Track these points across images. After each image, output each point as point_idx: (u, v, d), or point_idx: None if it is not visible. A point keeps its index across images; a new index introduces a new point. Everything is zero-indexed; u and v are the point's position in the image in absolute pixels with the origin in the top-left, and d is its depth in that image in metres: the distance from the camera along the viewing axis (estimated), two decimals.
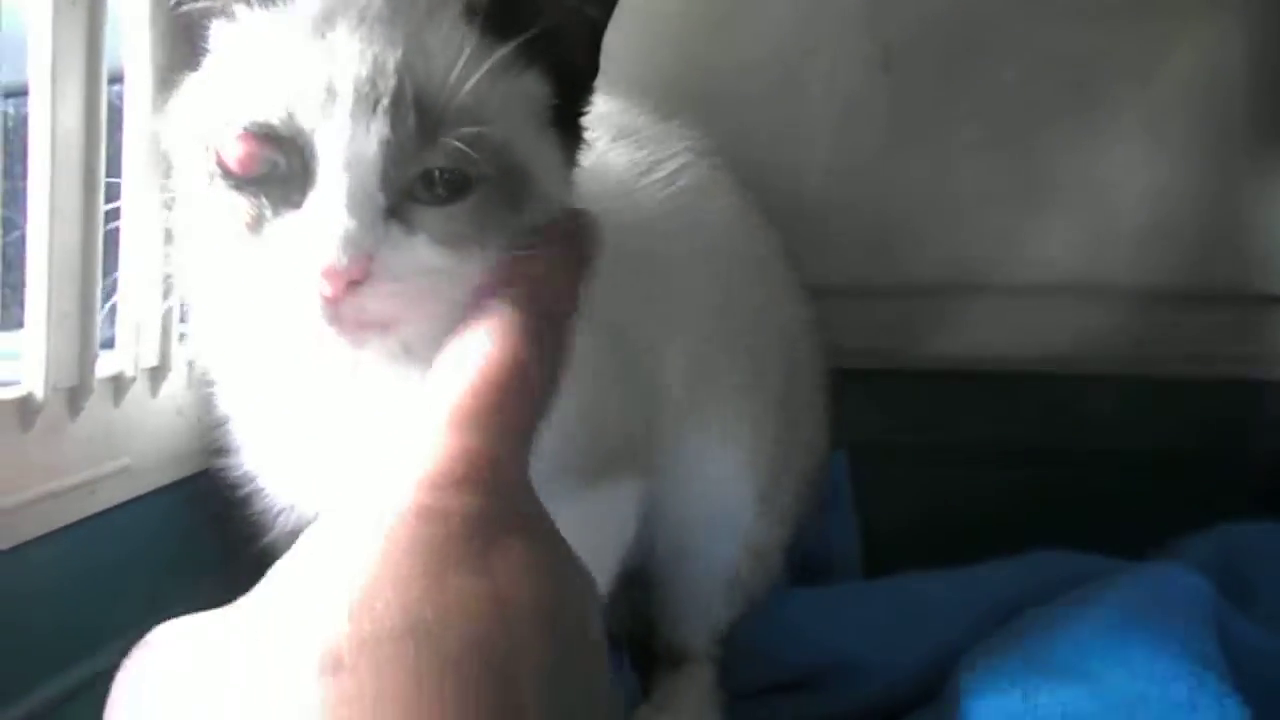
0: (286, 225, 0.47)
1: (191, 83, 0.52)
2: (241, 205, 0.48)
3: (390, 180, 0.47)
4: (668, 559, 0.78)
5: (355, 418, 0.55)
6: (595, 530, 0.65)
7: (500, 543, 0.35)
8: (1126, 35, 0.99)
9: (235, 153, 0.47)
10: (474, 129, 0.47)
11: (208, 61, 0.52)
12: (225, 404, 0.62)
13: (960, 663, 0.71)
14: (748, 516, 0.79)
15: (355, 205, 0.46)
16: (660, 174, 0.73)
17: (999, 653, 0.69)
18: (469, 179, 0.48)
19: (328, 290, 0.46)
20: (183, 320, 0.67)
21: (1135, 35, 0.99)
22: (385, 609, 0.32)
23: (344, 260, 0.45)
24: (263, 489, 0.62)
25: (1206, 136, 1.00)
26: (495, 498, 0.36)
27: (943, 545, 0.82)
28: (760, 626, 0.80)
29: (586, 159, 0.63)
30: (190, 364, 0.68)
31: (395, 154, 0.47)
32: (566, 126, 0.55)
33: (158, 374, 0.65)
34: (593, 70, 0.55)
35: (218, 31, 0.51)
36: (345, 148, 0.46)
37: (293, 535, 0.60)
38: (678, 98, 0.80)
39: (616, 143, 0.72)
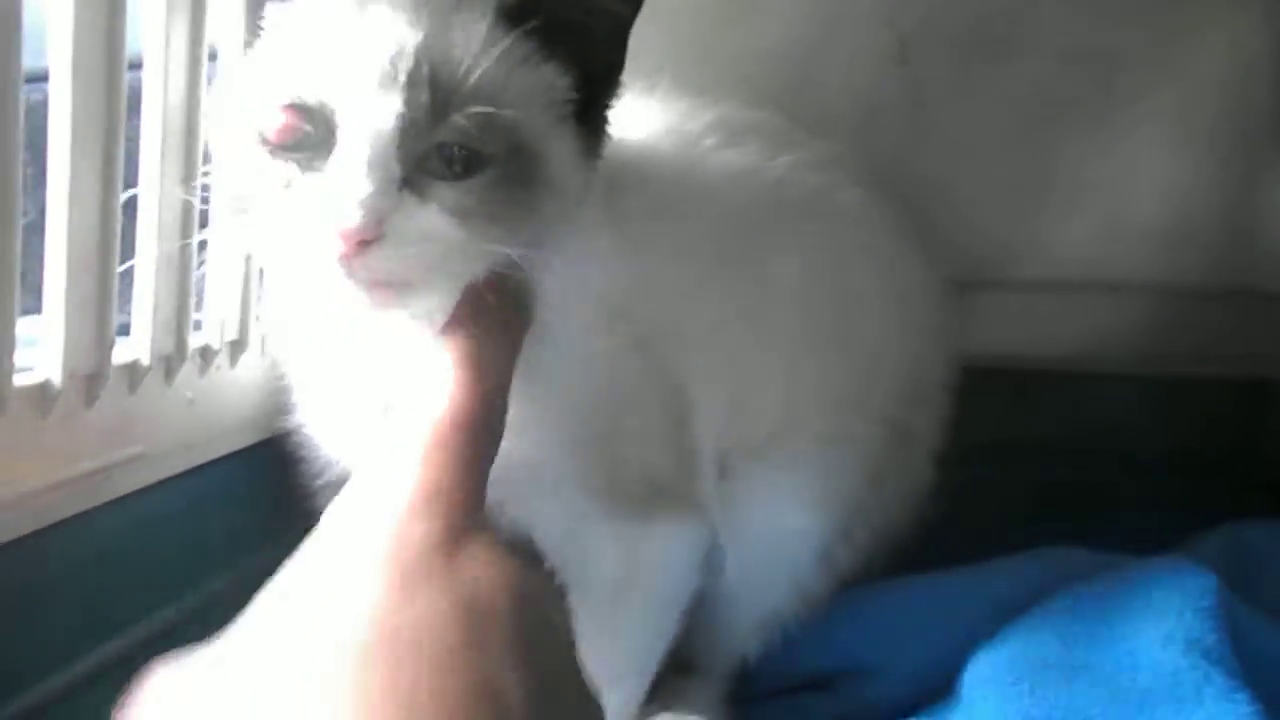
0: (310, 188, 0.51)
1: (244, 61, 0.57)
2: (275, 170, 0.52)
3: (406, 152, 0.51)
4: (704, 585, 0.74)
5: (381, 378, 0.59)
6: (645, 577, 0.67)
7: (464, 555, 0.38)
8: (1148, 31, 0.98)
9: (273, 123, 0.52)
10: (484, 109, 0.51)
11: (259, 41, 0.56)
12: (284, 360, 0.68)
13: (968, 660, 0.71)
14: (804, 570, 0.77)
15: (370, 172, 0.50)
16: (757, 180, 0.74)
17: (1007, 649, 0.69)
18: (481, 157, 0.52)
19: (341, 247, 0.49)
20: (198, 309, 0.67)
21: (1157, 31, 0.98)
22: (364, 627, 0.35)
23: (357, 220, 0.49)
24: (314, 442, 0.67)
25: (1228, 134, 0.99)
26: (457, 518, 0.40)
27: (953, 542, 0.82)
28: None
29: (690, 158, 0.71)
30: (203, 352, 0.68)
31: (410, 128, 0.50)
32: (590, 118, 0.57)
33: (172, 362, 0.65)
34: (618, 65, 0.57)
35: (270, 13, 0.56)
36: (364, 120, 0.50)
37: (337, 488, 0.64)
38: (693, 90, 0.80)
39: (725, 148, 0.74)
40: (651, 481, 0.66)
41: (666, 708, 0.76)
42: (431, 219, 0.51)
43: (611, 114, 0.59)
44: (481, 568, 0.38)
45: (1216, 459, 0.96)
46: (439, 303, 0.54)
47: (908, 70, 1.00)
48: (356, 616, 0.35)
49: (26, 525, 0.54)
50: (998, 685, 0.66)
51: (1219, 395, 0.98)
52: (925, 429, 0.83)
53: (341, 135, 0.51)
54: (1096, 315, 1.01)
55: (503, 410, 0.48)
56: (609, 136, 0.59)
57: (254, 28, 0.57)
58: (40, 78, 0.54)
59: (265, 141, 0.52)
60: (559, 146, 0.55)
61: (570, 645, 0.40)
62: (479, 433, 0.45)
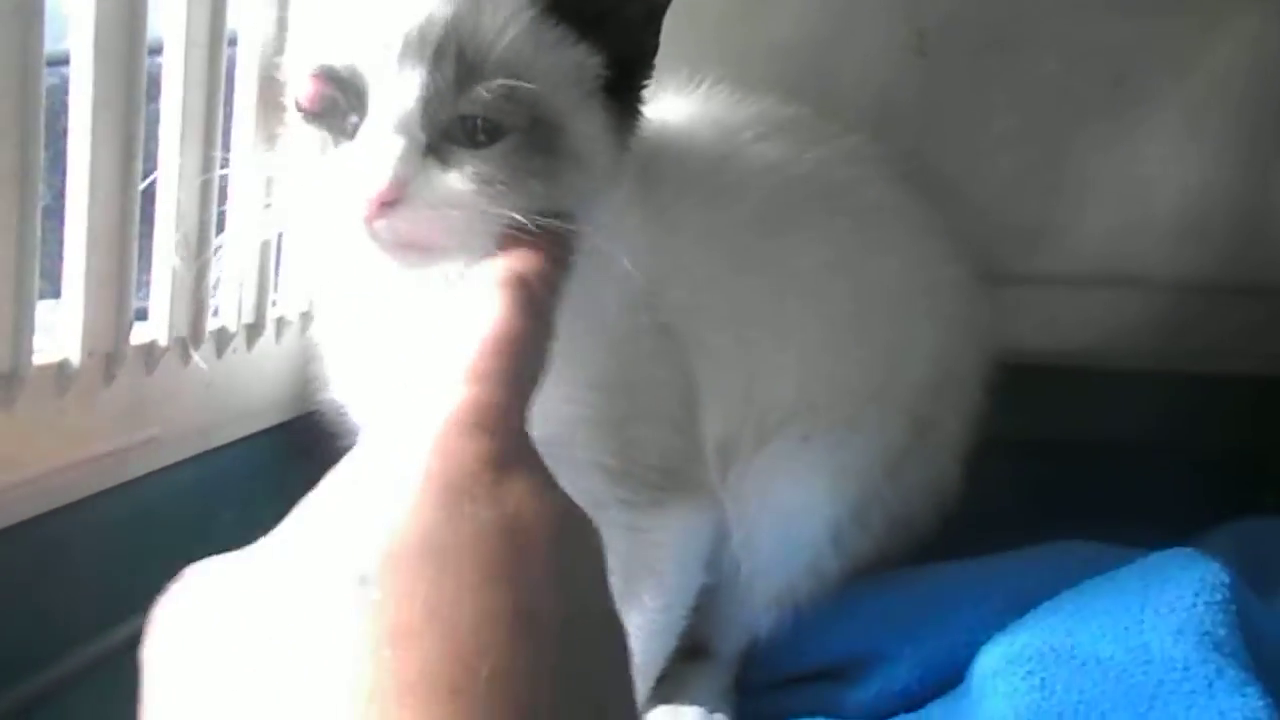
0: (341, 153, 0.55)
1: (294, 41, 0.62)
2: (311, 136, 0.56)
3: (431, 121, 0.53)
4: (712, 577, 0.75)
5: (411, 345, 0.61)
6: (654, 569, 0.68)
7: (508, 479, 0.37)
8: (1164, 28, 0.98)
9: (305, 90, 0.56)
10: (506, 82, 0.53)
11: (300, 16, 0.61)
12: (317, 330, 0.71)
13: (978, 652, 0.70)
14: (817, 550, 0.77)
15: (396, 138, 0.53)
16: (788, 173, 0.76)
17: (1016, 642, 0.68)
18: (502, 127, 0.54)
19: (364, 208, 0.52)
20: (214, 292, 0.67)
21: (1173, 28, 0.98)
22: (407, 536, 0.34)
23: (381, 183, 0.52)
24: (343, 412, 0.68)
25: (1243, 130, 0.99)
26: (503, 441, 0.39)
27: (965, 537, 0.82)
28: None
29: (728, 149, 0.73)
30: (220, 334, 0.68)
31: (434, 97, 0.53)
32: (623, 98, 0.60)
33: (188, 344, 0.65)
34: (652, 49, 0.60)
35: None
36: (392, 88, 0.53)
37: None
38: (709, 80, 0.80)
39: (762, 141, 0.76)
40: (665, 467, 0.67)
41: (667, 699, 0.76)
42: (452, 184, 0.53)
43: (646, 94, 0.62)
44: (526, 494, 0.37)
45: (1230, 454, 0.96)
46: (463, 269, 0.56)
47: (924, 64, 1.00)
48: (401, 529, 0.35)
49: (42, 504, 0.55)
50: (1008, 677, 0.66)
51: (1233, 391, 0.98)
52: (952, 423, 0.84)
53: (371, 103, 0.54)
54: (1111, 310, 1.01)
55: (548, 336, 0.47)
56: (643, 116, 0.62)
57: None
58: (61, 61, 0.55)
59: (300, 109, 0.56)
60: (583, 122, 0.57)
61: (603, 581, 0.40)
62: (526, 354, 0.44)
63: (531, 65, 0.55)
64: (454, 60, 0.53)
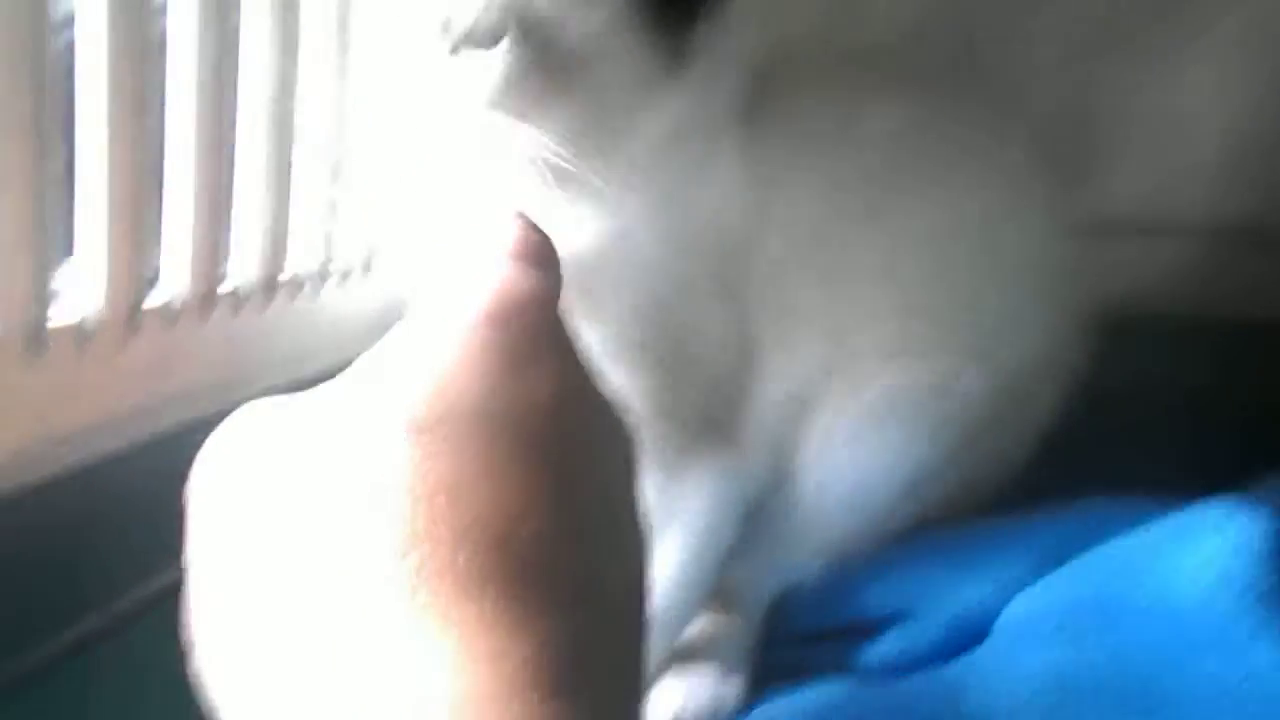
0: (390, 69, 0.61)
1: None
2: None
3: (448, 29, 0.57)
4: (755, 509, 0.74)
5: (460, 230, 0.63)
6: (681, 519, 0.68)
7: (556, 359, 0.38)
8: None
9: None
10: None
11: None
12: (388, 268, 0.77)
13: (1008, 609, 0.70)
14: (890, 504, 0.76)
15: (419, 46, 0.58)
16: (922, 131, 0.76)
17: (1046, 598, 0.68)
18: (498, 31, 0.57)
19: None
20: (232, 248, 0.67)
21: None
22: (460, 394, 0.35)
23: (406, 89, 0.58)
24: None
25: None
26: (552, 320, 0.39)
27: (1004, 489, 0.81)
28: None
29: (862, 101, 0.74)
30: (237, 291, 0.68)
31: (447, 8, 0.57)
32: (678, 19, 0.61)
33: (207, 301, 0.65)
34: None
35: None
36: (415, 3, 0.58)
37: None
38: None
39: (900, 98, 0.77)
40: (701, 416, 0.67)
41: (683, 658, 0.75)
42: (461, 85, 0.57)
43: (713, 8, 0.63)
44: (575, 376, 0.39)
45: (1269, 403, 0.94)
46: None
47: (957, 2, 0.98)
48: (459, 391, 0.35)
49: (65, 464, 0.55)
50: (1038, 631, 0.65)
51: (1272, 338, 0.96)
52: (1043, 403, 0.82)
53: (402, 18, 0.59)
54: (1148, 258, 0.98)
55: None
56: (708, 27, 0.63)
57: None
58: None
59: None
60: (592, 28, 0.58)
61: (634, 477, 0.41)
62: (554, 256, 0.43)
63: None
64: None
